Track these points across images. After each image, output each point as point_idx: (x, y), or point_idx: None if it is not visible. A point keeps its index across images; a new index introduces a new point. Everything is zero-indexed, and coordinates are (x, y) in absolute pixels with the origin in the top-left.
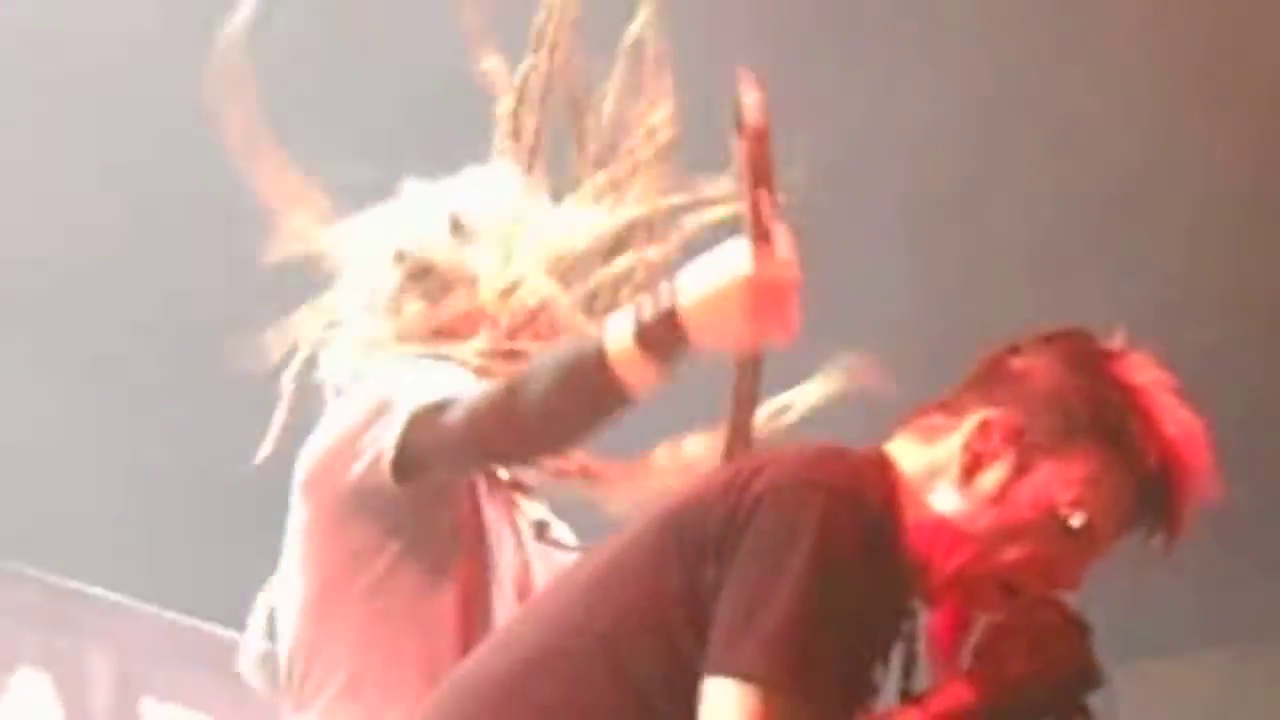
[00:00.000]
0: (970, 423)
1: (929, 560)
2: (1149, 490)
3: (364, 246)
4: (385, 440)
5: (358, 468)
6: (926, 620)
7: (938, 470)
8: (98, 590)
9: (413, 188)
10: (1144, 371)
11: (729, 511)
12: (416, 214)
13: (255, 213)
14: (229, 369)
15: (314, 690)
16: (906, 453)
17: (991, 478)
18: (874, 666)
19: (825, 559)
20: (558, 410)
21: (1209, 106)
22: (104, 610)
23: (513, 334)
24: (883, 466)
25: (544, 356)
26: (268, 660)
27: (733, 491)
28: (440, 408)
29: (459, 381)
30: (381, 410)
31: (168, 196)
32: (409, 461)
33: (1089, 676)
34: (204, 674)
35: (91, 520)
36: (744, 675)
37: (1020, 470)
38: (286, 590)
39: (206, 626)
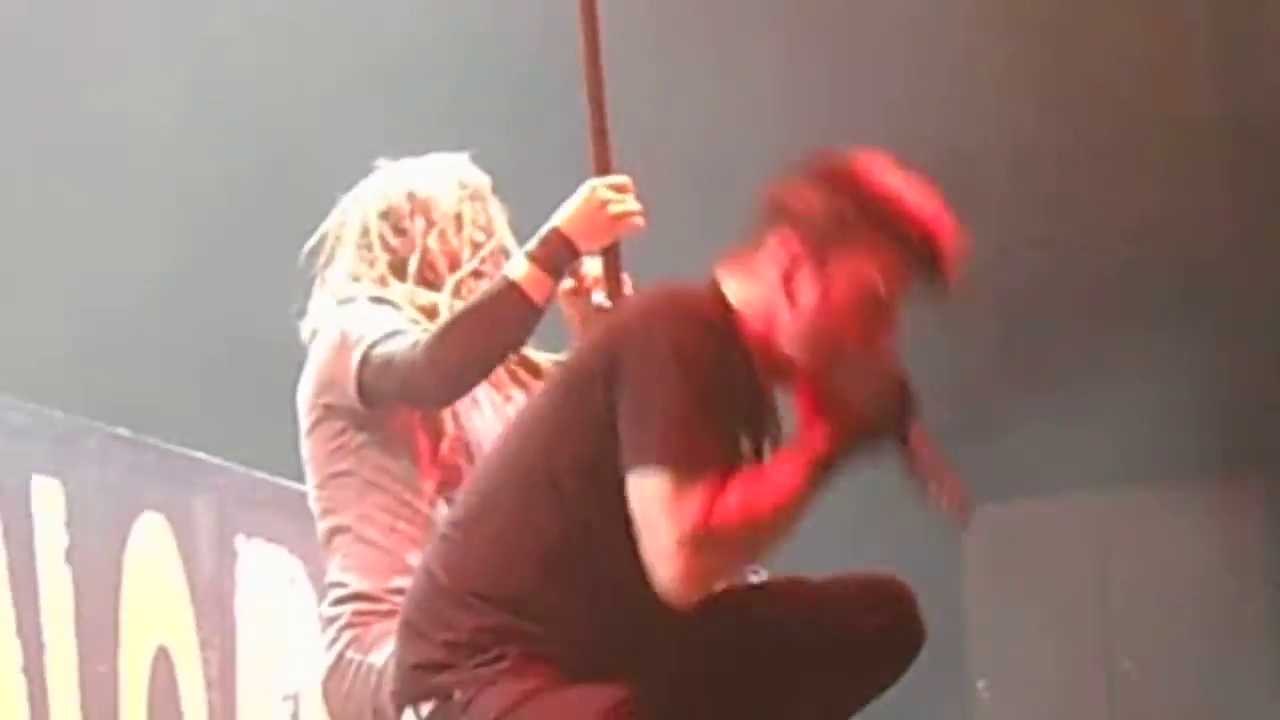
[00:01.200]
0: (771, 247)
1: (777, 350)
2: (920, 257)
3: (366, 202)
4: (345, 379)
5: (327, 397)
6: (793, 399)
7: (767, 289)
8: (200, 453)
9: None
10: (885, 170)
11: (610, 349)
12: (420, 173)
13: None
14: None
15: (334, 542)
16: (735, 286)
17: (805, 285)
18: (739, 434)
19: (685, 366)
20: (484, 334)
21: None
22: (206, 468)
23: (477, 275)
24: (717, 292)
25: (466, 302)
26: None
27: (611, 334)
28: (386, 353)
29: (398, 322)
30: (341, 348)
31: None
32: (368, 394)
33: (909, 398)
34: (282, 516)
35: (197, 394)
36: (650, 465)
37: (822, 270)
38: (307, 475)
39: (283, 481)
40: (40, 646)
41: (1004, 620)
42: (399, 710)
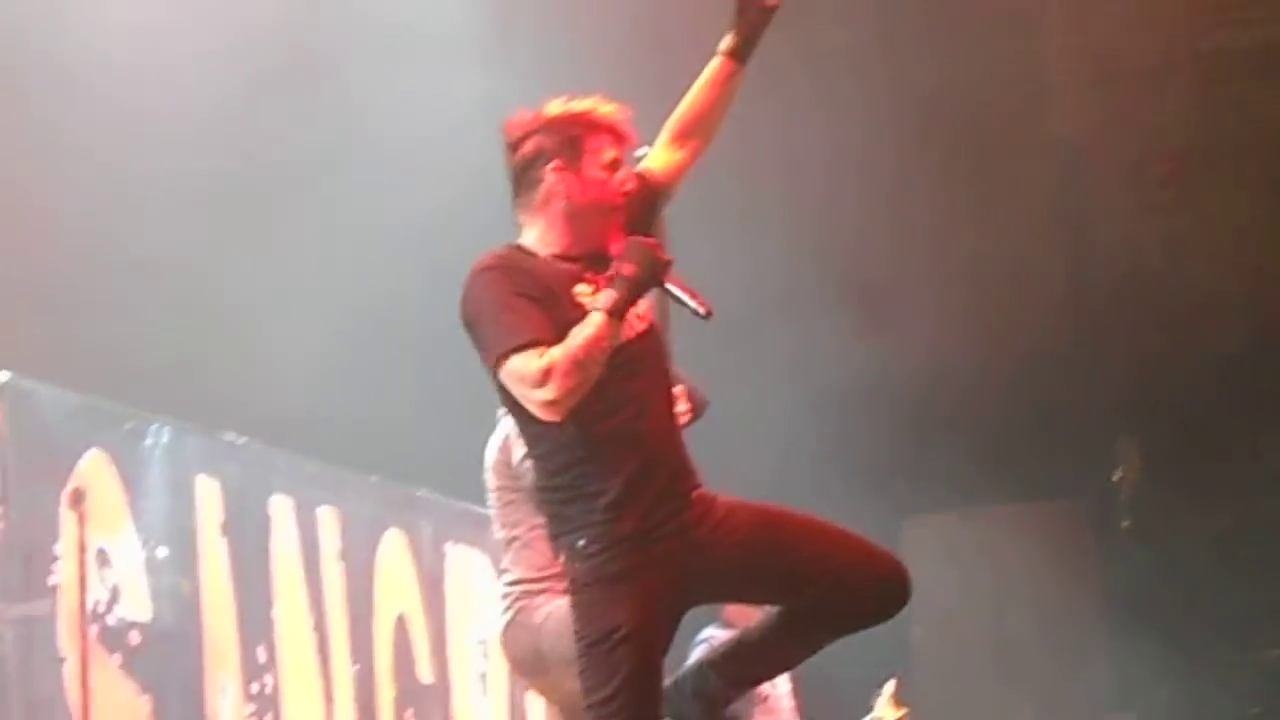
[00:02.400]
0: (548, 183)
1: (571, 246)
2: (600, 122)
3: None
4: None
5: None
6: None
7: (550, 212)
8: (424, 490)
9: None
10: (550, 104)
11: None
12: None
13: None
14: None
15: (510, 547)
16: (527, 230)
17: (574, 186)
18: (536, 311)
19: (476, 296)
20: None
21: None
22: (428, 500)
23: None
24: (509, 246)
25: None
26: None
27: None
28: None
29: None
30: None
31: None
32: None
33: (662, 258)
34: (475, 529)
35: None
36: (498, 359)
37: (577, 171)
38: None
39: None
40: (323, 614)
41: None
42: None
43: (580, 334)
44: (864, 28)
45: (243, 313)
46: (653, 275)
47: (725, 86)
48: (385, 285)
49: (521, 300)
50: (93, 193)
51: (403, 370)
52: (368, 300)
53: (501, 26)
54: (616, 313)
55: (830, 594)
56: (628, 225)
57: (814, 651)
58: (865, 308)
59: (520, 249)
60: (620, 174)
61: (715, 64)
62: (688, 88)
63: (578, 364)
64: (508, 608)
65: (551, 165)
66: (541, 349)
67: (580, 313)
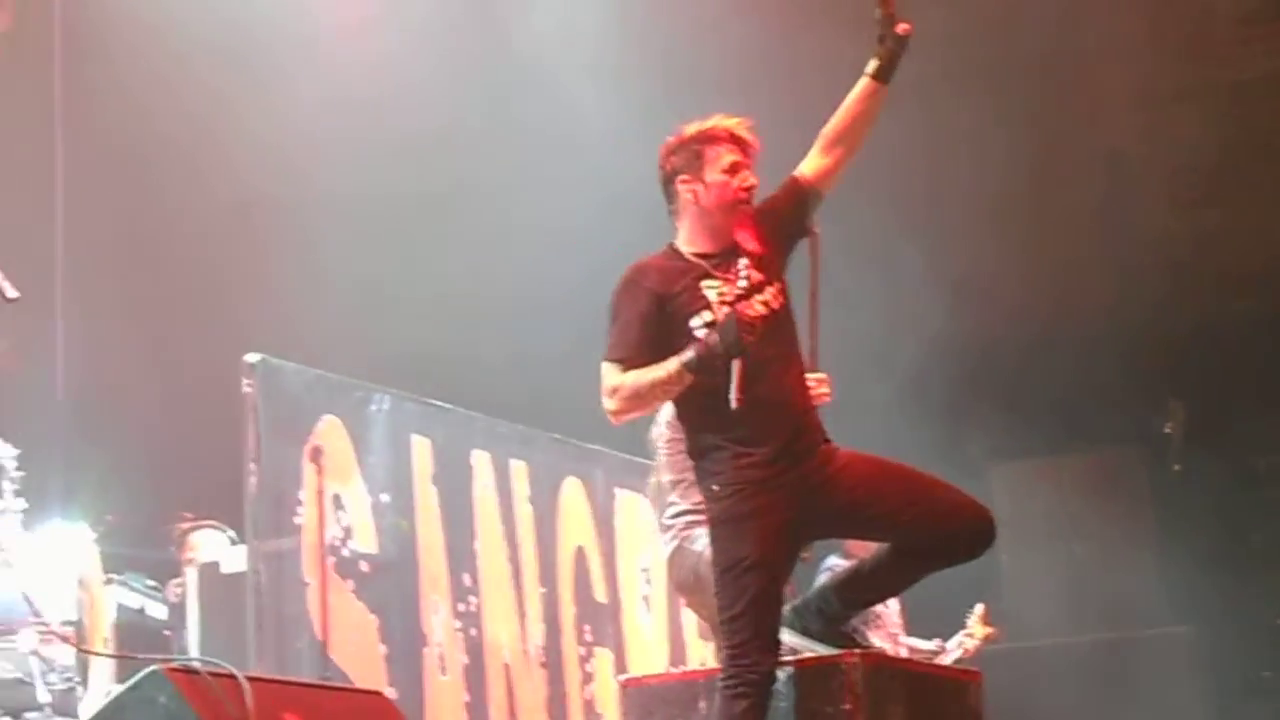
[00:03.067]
0: (683, 199)
1: (707, 243)
2: (718, 134)
3: None
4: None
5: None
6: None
7: (688, 216)
8: (597, 445)
9: None
10: (685, 125)
11: None
12: None
13: None
14: None
15: (676, 489)
16: (679, 234)
17: (701, 192)
18: (639, 330)
19: (614, 299)
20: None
21: None
22: (599, 453)
23: None
24: (655, 253)
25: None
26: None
27: None
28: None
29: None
30: None
31: None
32: None
33: (738, 339)
34: (637, 476)
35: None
36: (603, 356)
37: (696, 183)
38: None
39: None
40: (516, 547)
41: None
42: None
43: (651, 374)
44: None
45: (450, 303)
46: (728, 352)
47: (869, 103)
48: (558, 281)
49: (634, 315)
50: (327, 208)
51: (580, 350)
52: (545, 294)
53: (652, 64)
54: (688, 368)
55: (929, 534)
56: (781, 220)
57: (917, 580)
58: (956, 288)
59: (670, 249)
60: (740, 176)
61: (861, 84)
62: (817, 115)
63: (638, 395)
64: (673, 536)
65: (681, 178)
66: (624, 366)
67: (699, 306)
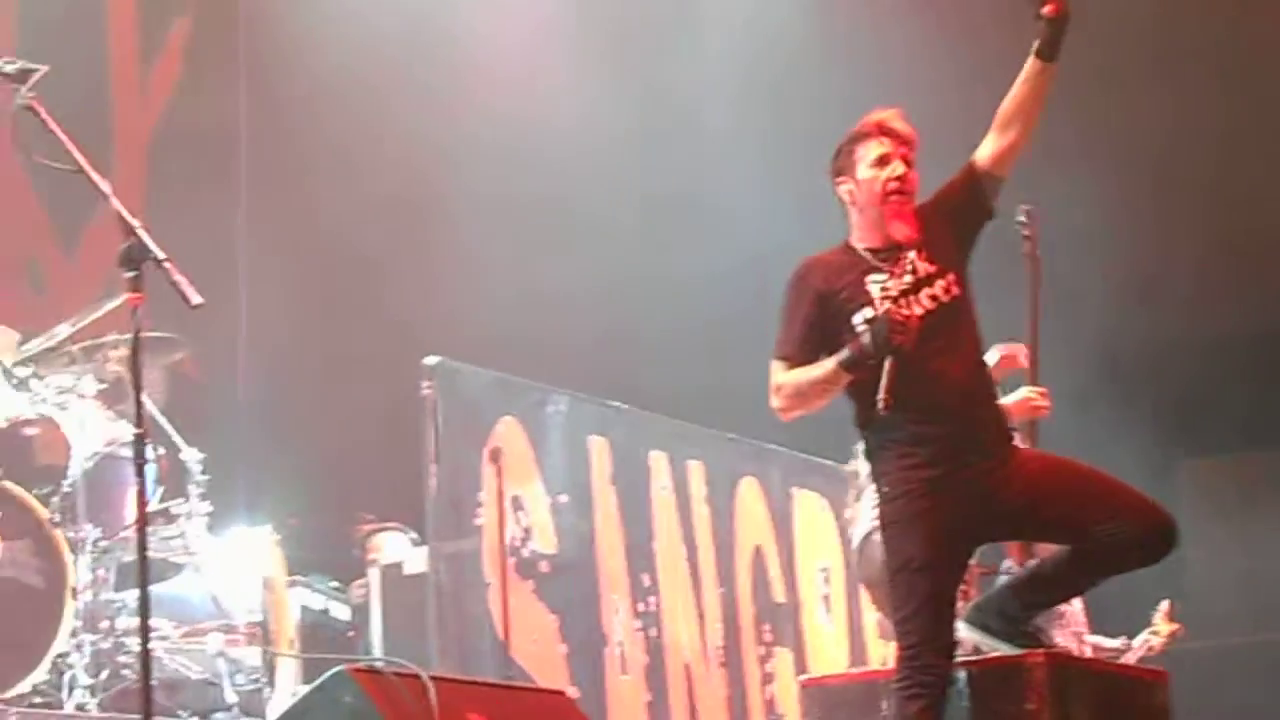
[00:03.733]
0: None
1: (872, 237)
2: (866, 130)
3: None
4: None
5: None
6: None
7: (852, 222)
8: (773, 445)
9: None
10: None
11: None
12: None
13: None
14: None
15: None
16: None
17: (854, 189)
18: (803, 328)
19: (784, 295)
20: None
21: None
22: (776, 453)
23: None
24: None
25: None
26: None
27: None
28: None
29: None
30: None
31: None
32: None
33: (888, 338)
34: (818, 477)
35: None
36: (773, 354)
37: (850, 182)
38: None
39: (816, 459)
40: (694, 547)
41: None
42: None
43: (811, 373)
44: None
45: (627, 306)
46: (879, 352)
47: (1037, 82)
48: (733, 275)
49: (798, 313)
50: (495, 211)
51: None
52: (726, 300)
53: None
54: (843, 367)
55: (1110, 538)
56: (956, 207)
57: (1097, 583)
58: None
59: (844, 245)
60: (889, 167)
61: (1029, 63)
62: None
63: (800, 393)
64: (865, 529)
65: (839, 179)
66: (788, 364)
67: (862, 301)
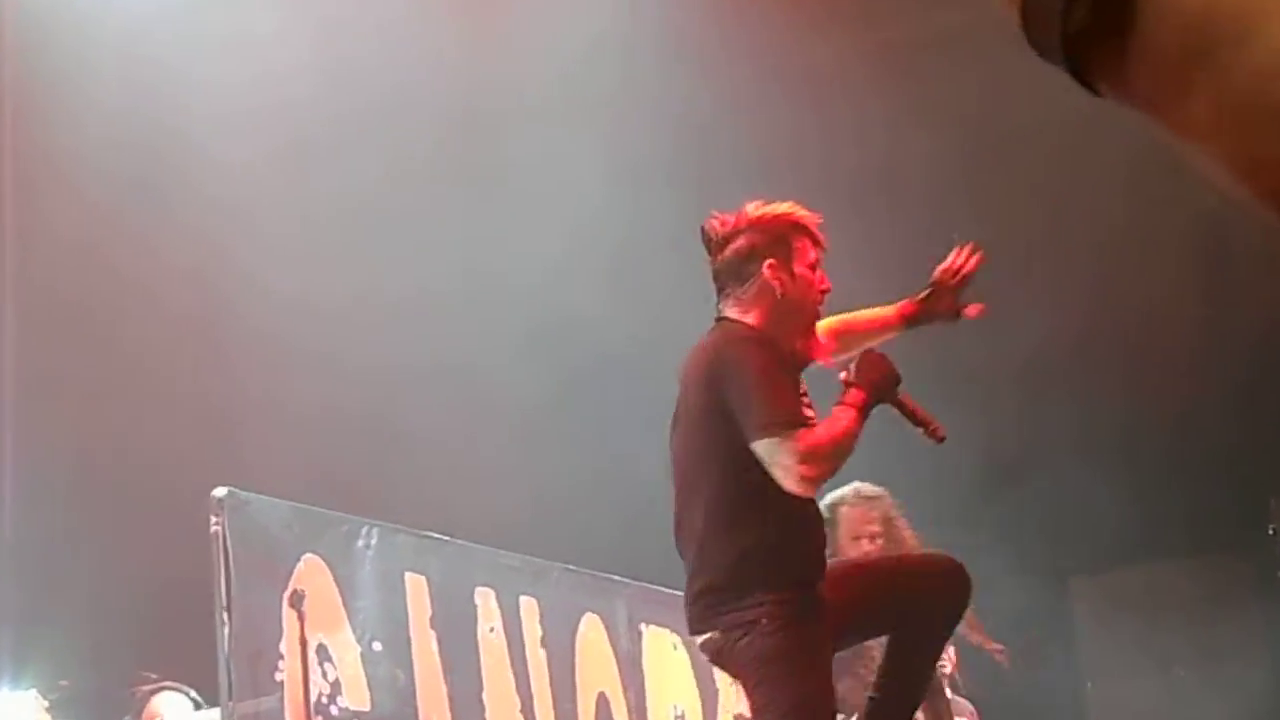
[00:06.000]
0: (764, 278)
1: (788, 341)
2: (804, 223)
3: None
4: None
5: None
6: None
7: (769, 304)
8: (616, 575)
9: None
10: (757, 207)
11: (709, 386)
12: None
13: None
14: None
15: None
16: (746, 317)
17: (789, 283)
18: (795, 389)
19: (757, 361)
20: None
21: None
22: (620, 584)
23: None
24: (740, 325)
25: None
26: None
27: (703, 376)
28: None
29: None
30: None
31: None
32: None
33: (896, 374)
34: (668, 609)
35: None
36: (758, 432)
37: (783, 271)
38: None
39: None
40: (529, 696)
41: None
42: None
43: (838, 425)
44: None
45: (423, 421)
46: (891, 386)
47: (884, 335)
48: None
49: (785, 378)
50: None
51: (570, 457)
52: (524, 395)
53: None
54: (864, 412)
55: (913, 606)
56: None
57: (935, 655)
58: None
59: (759, 334)
60: (819, 275)
61: (888, 314)
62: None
63: (842, 453)
64: None
65: (767, 262)
66: (807, 429)
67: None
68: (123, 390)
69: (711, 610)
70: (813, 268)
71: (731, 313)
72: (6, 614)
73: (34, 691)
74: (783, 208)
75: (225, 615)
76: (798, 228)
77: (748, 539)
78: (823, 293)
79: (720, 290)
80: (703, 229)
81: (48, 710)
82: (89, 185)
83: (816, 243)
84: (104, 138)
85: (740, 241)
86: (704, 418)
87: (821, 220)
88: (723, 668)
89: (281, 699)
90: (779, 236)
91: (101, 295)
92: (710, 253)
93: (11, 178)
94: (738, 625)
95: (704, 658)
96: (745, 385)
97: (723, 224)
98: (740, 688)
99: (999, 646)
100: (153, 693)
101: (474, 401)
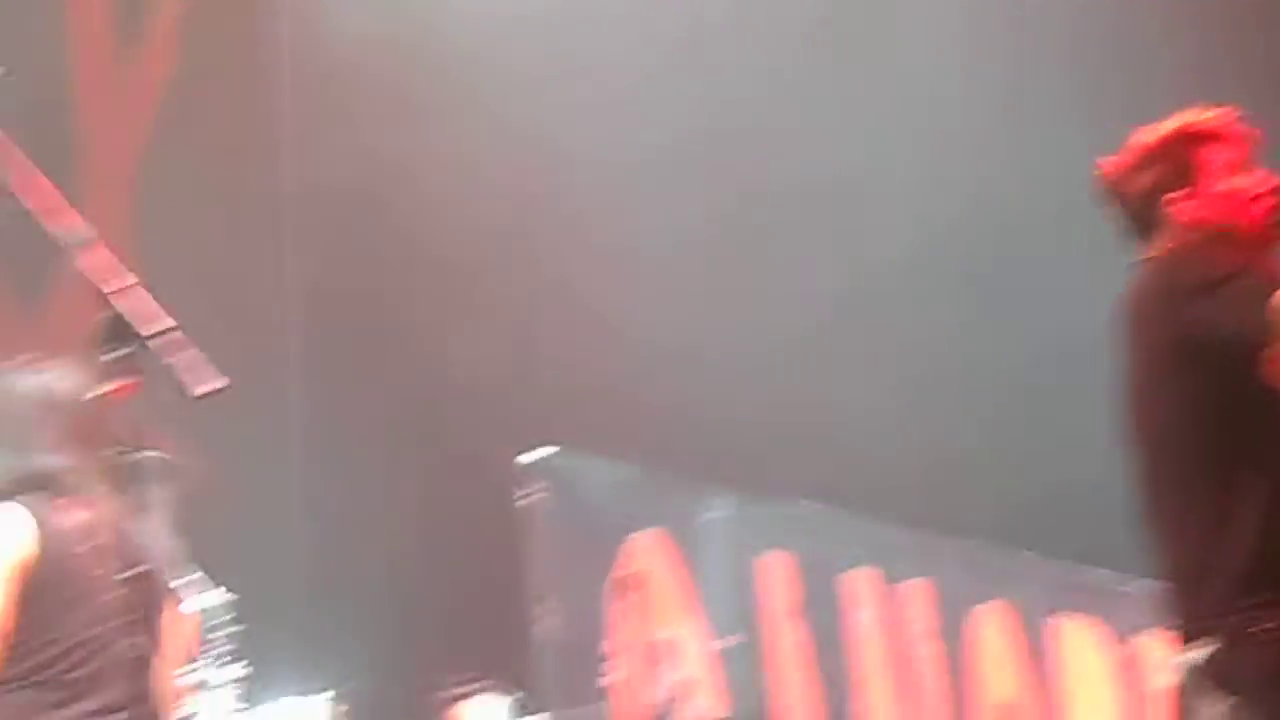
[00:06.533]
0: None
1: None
2: (1203, 137)
3: None
4: None
5: None
6: None
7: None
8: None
9: None
10: (1156, 125)
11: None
12: None
13: None
14: None
15: None
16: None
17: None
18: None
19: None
20: None
21: None
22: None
23: None
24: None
25: None
26: None
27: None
28: None
29: None
30: None
31: None
32: None
33: None
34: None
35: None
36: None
37: (1191, 203)
38: None
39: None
40: (919, 700)
41: None
42: None
43: None
44: None
45: (785, 368)
46: None
47: None
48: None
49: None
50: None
51: (971, 410)
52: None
53: None
54: None
55: None
56: None
57: None
58: None
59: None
60: (1250, 176)
61: None
62: None
63: None
64: None
65: (1166, 199)
66: None
67: None
68: (423, 346)
69: (1209, 609)
70: (1235, 171)
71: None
72: (291, 605)
73: (328, 695)
74: (1169, 125)
75: (543, 605)
76: (1195, 139)
77: (1255, 514)
78: (1265, 195)
79: (1138, 243)
80: (1093, 180)
81: (346, 716)
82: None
83: (1231, 142)
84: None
85: (1133, 185)
86: (1172, 363)
87: (1233, 115)
88: (1217, 687)
89: (609, 706)
90: (1174, 161)
91: (386, 245)
92: (1108, 206)
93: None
94: (1243, 632)
95: (1141, 663)
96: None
97: (1109, 170)
98: (1233, 713)
99: None
100: (461, 696)
101: (849, 345)
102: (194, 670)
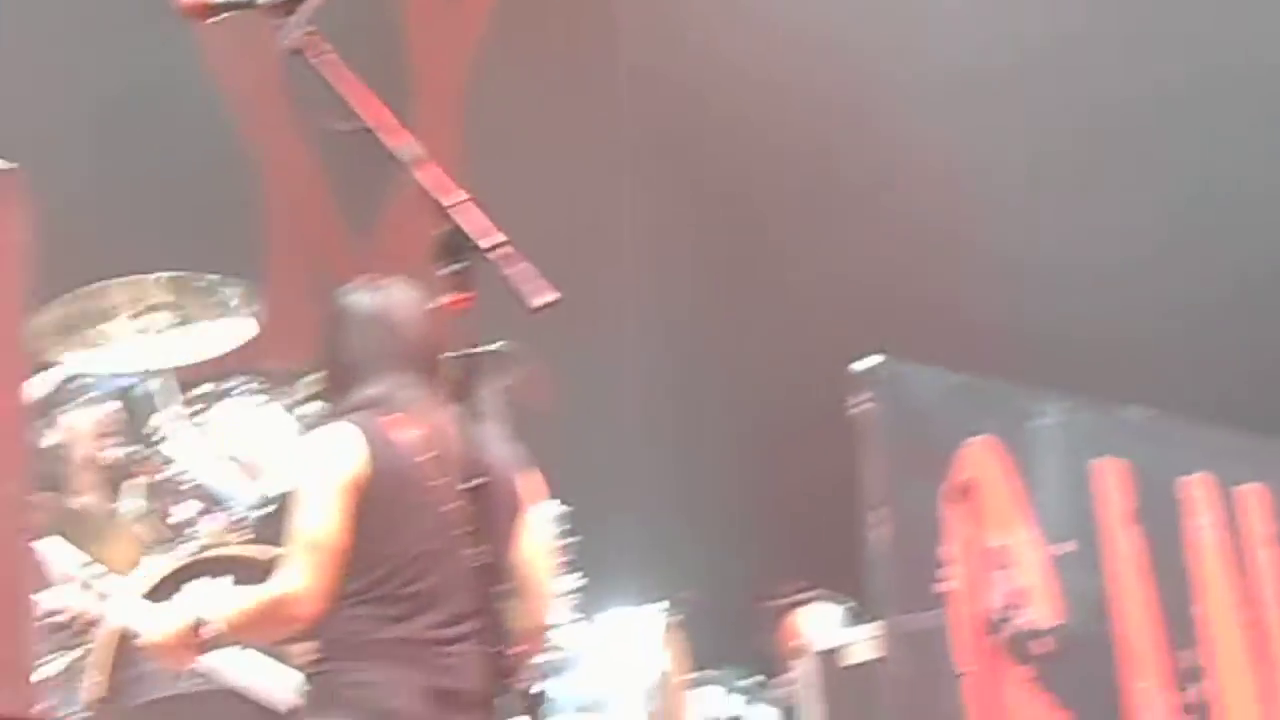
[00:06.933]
0: None
1: None
2: None
3: None
4: None
5: None
6: None
7: None
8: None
9: None
10: None
11: None
12: None
13: None
14: None
15: None
16: None
17: None
18: None
19: None
20: None
21: None
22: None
23: None
24: None
25: None
26: None
27: None
28: None
29: None
30: None
31: None
32: None
33: None
34: None
35: None
36: None
37: None
38: None
39: None
40: (1260, 606)
41: None
42: None
43: None
44: None
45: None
46: None
47: None
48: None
49: None
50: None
51: None
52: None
53: None
54: None
55: None
56: None
57: None
58: None
59: None
60: None
61: None
62: None
63: None
64: None
65: None
66: None
67: None
68: (759, 252)
69: None
70: None
71: None
72: (622, 515)
73: (662, 606)
74: None
75: (876, 512)
76: None
77: None
78: None
79: None
80: None
81: (678, 625)
82: None
83: None
84: None
85: None
86: None
87: None
88: None
89: (947, 614)
90: None
91: (722, 154)
92: None
93: None
94: None
95: None
96: None
97: None
98: None
99: None
100: (795, 605)
101: (1181, 251)
102: (541, 578)
